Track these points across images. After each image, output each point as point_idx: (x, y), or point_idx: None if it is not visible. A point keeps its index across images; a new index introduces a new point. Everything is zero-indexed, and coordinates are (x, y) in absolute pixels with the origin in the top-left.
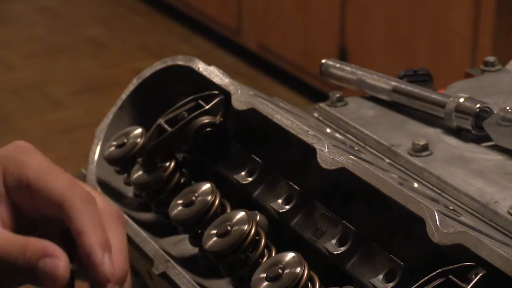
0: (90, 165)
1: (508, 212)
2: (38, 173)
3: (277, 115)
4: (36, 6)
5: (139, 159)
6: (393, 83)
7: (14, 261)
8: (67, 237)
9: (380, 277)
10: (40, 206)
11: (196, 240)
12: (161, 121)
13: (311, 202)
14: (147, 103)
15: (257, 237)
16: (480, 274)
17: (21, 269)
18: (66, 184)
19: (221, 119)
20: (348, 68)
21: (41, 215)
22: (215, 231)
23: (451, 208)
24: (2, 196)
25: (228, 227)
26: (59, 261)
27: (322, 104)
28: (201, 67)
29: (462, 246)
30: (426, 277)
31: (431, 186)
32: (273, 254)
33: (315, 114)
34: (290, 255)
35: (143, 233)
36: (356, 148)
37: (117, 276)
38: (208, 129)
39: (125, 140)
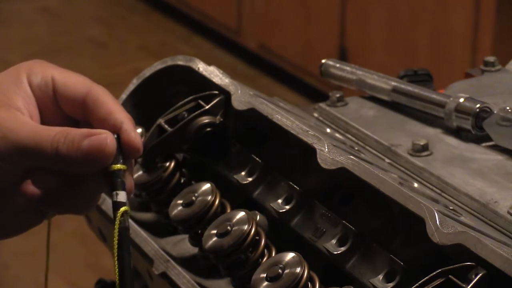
0: None
1: (508, 212)
2: (61, 72)
3: (277, 115)
4: (36, 6)
5: (139, 159)
6: (393, 83)
7: (50, 148)
8: None
9: (380, 277)
10: (63, 101)
11: (196, 240)
12: (161, 121)
13: (311, 202)
14: (147, 103)
15: (257, 237)
16: (480, 274)
17: (54, 156)
18: (86, 78)
19: (221, 119)
20: (348, 68)
21: (58, 119)
22: (215, 231)
23: (451, 208)
24: (29, 96)
25: (228, 227)
26: (106, 135)
27: (322, 104)
28: (201, 67)
29: (462, 246)
30: (426, 277)
31: (431, 186)
32: (273, 254)
33: (315, 114)
34: (290, 255)
35: (143, 233)
36: (356, 148)
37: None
38: (208, 129)
39: None
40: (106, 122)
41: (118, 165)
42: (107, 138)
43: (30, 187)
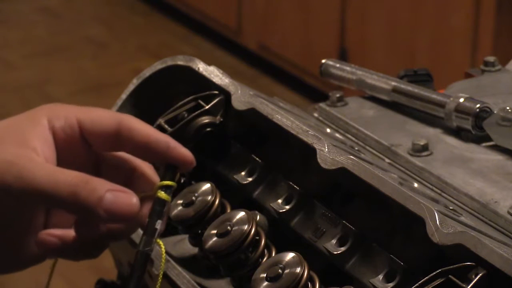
0: None
1: (508, 212)
2: (84, 110)
3: (277, 115)
4: (36, 6)
5: None
6: (393, 83)
7: (66, 191)
8: None
9: (380, 277)
10: (93, 138)
11: (196, 240)
12: (161, 121)
13: (311, 202)
14: (147, 103)
15: (257, 237)
16: (480, 274)
17: (71, 200)
18: (110, 111)
19: (221, 119)
20: (348, 68)
21: (79, 162)
22: (215, 231)
23: (451, 208)
24: (46, 139)
25: (228, 227)
26: (132, 195)
27: (322, 104)
28: (201, 67)
29: (462, 246)
30: (426, 277)
31: (431, 186)
32: (273, 254)
33: (315, 114)
34: (290, 255)
35: None
36: (356, 148)
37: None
38: (208, 129)
39: None
40: (148, 145)
41: (166, 182)
42: (132, 198)
43: (48, 238)
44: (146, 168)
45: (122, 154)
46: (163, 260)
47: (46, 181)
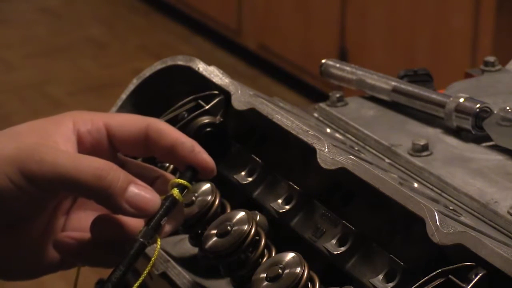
0: None
1: (508, 212)
2: (110, 115)
3: (277, 115)
4: (36, 6)
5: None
6: (393, 83)
7: (90, 175)
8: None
9: (380, 277)
10: (121, 142)
11: (196, 240)
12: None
13: (311, 202)
14: (147, 103)
15: (257, 237)
16: (480, 274)
17: (95, 184)
18: (135, 115)
19: (221, 119)
20: (348, 68)
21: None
22: (215, 231)
23: (451, 208)
24: (69, 139)
25: (228, 227)
26: (154, 192)
27: (322, 104)
28: (201, 67)
29: (462, 246)
30: (426, 277)
31: (431, 186)
32: (273, 254)
33: (315, 114)
34: (290, 255)
35: None
36: (356, 148)
37: None
38: (208, 129)
39: None
40: (175, 147)
41: (182, 181)
42: (154, 197)
43: (66, 239)
44: (168, 176)
45: (145, 164)
46: (155, 256)
47: (69, 164)
